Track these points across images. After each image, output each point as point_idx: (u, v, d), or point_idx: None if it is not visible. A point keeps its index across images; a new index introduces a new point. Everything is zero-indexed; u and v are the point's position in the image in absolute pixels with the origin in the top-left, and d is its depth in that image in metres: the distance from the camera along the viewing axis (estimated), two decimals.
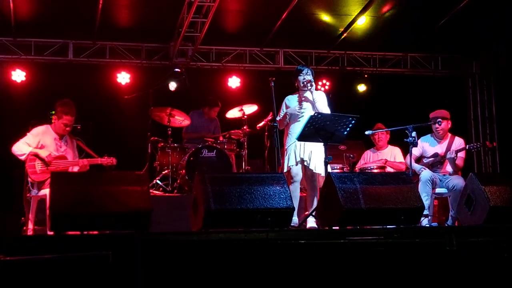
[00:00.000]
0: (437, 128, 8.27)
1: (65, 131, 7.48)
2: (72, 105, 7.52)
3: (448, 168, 8.15)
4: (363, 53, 12.37)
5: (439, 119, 8.23)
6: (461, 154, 8.13)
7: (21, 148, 7.25)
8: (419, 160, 8.34)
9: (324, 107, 7.53)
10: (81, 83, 10.98)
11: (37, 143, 7.32)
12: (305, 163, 7.41)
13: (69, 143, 7.56)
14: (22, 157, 7.23)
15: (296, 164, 7.40)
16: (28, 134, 7.48)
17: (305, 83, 7.54)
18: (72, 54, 11.31)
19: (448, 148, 8.18)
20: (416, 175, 8.01)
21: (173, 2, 9.99)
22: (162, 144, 9.67)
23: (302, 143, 7.40)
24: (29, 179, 7.22)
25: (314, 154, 7.39)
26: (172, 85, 10.88)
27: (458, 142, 8.28)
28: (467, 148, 8.10)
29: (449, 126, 8.35)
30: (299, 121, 7.47)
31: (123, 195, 5.07)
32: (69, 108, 7.46)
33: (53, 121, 7.53)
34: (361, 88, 12.31)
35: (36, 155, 7.20)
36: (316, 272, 5.07)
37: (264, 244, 5.06)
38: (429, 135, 8.44)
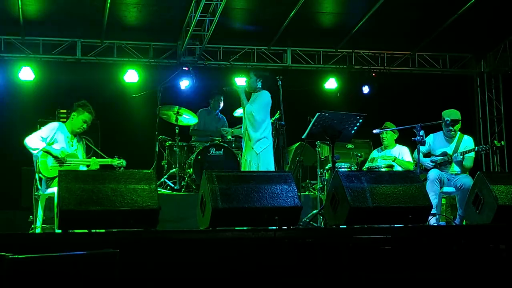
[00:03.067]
0: (451, 130, 8.19)
1: (82, 128, 7.47)
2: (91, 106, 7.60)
3: (456, 167, 8.12)
4: (371, 51, 12.36)
5: (455, 121, 8.16)
6: (470, 155, 8.08)
7: (35, 142, 7.23)
8: (426, 156, 8.30)
9: (248, 107, 7.84)
10: (89, 82, 11.01)
11: (50, 139, 7.32)
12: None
13: (80, 143, 7.57)
14: (35, 152, 7.23)
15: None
16: (42, 128, 7.46)
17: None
18: (80, 52, 11.35)
19: (457, 147, 8.14)
20: (425, 170, 7.99)
21: (180, 1, 10.01)
22: (170, 142, 9.68)
23: (243, 146, 7.81)
24: (40, 174, 7.22)
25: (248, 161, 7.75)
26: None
27: (468, 141, 8.23)
28: (476, 150, 8.06)
29: (460, 126, 8.32)
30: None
31: (131, 193, 5.08)
32: (90, 108, 7.50)
33: (71, 117, 7.51)
34: (365, 90, 12.28)
35: (49, 153, 7.21)
36: (324, 270, 5.07)
37: (272, 243, 5.06)
38: (440, 132, 8.37)
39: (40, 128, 7.61)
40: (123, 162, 7.45)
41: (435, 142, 8.29)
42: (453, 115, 8.19)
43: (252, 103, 7.79)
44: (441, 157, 8.16)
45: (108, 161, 7.44)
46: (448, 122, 8.11)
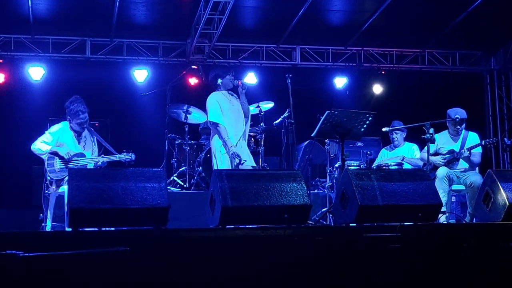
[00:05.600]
0: (459, 128, 8.18)
1: (82, 128, 7.50)
2: (81, 101, 7.44)
3: (465, 164, 8.10)
4: (380, 49, 12.34)
5: (462, 119, 8.15)
6: (477, 150, 8.06)
7: (40, 146, 7.28)
8: (434, 156, 8.28)
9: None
10: (99, 80, 11.05)
11: (55, 142, 7.35)
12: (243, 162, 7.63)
13: (88, 140, 7.57)
14: (42, 156, 7.28)
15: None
16: (46, 132, 7.50)
17: (237, 84, 7.89)
18: (90, 51, 11.38)
19: (463, 144, 8.13)
20: (434, 169, 7.97)
21: None
22: (179, 141, 9.70)
23: (240, 144, 7.72)
24: (48, 177, 7.26)
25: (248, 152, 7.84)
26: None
27: (473, 137, 8.22)
28: (482, 144, 8.04)
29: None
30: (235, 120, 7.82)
31: (140, 191, 5.09)
32: (79, 106, 7.39)
33: (68, 122, 7.52)
34: (377, 89, 12.26)
35: (56, 154, 7.24)
36: (333, 268, 5.07)
37: (281, 241, 5.06)
38: (444, 131, 8.37)
39: (48, 128, 7.65)
40: (131, 156, 7.42)
41: (441, 141, 8.27)
42: (461, 113, 8.18)
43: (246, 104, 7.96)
44: (449, 155, 8.14)
45: (115, 157, 7.43)
46: (457, 120, 8.10)
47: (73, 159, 7.26)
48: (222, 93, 7.90)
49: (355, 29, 11.41)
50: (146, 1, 10.24)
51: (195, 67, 11.05)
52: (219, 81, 7.88)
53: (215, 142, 7.68)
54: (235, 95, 7.94)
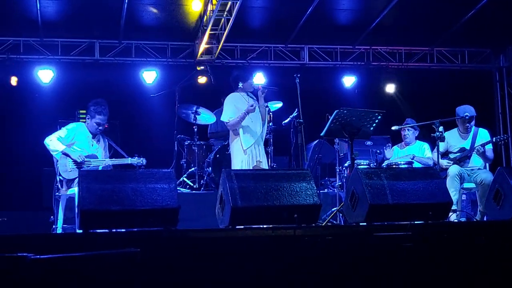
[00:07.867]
0: (468, 126, 8.16)
1: (98, 130, 7.54)
2: (105, 104, 7.58)
3: (476, 162, 8.08)
4: (388, 47, 12.31)
5: (472, 116, 8.13)
6: (489, 147, 8.05)
7: (55, 144, 7.28)
8: (445, 155, 8.26)
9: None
10: (108, 82, 11.07)
11: (71, 139, 7.38)
12: (259, 164, 7.77)
13: (101, 143, 7.63)
14: (54, 153, 7.30)
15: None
16: (63, 128, 7.52)
17: (257, 88, 8.05)
18: (99, 53, 11.41)
19: (474, 141, 8.11)
20: (443, 170, 7.95)
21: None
22: (188, 141, 9.71)
23: (257, 145, 7.82)
24: (60, 177, 7.28)
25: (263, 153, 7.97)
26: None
27: (483, 134, 8.20)
28: (493, 141, 8.02)
29: None
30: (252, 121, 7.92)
31: (150, 192, 5.10)
32: (102, 107, 7.52)
33: (86, 120, 7.59)
34: (387, 88, 12.23)
35: (68, 155, 7.26)
36: (343, 268, 5.06)
37: (291, 241, 5.06)
38: (454, 129, 8.35)
39: (60, 129, 7.67)
40: (143, 161, 7.52)
41: (451, 139, 8.25)
42: (470, 111, 8.15)
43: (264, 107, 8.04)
44: (460, 153, 8.12)
45: (127, 160, 7.50)
46: (467, 117, 8.08)
47: (85, 160, 7.29)
48: (241, 95, 7.99)
49: (363, 28, 11.39)
50: (154, 3, 10.26)
51: (203, 67, 11.05)
52: (240, 84, 8.00)
53: (235, 143, 7.93)
54: (254, 97, 8.00)
